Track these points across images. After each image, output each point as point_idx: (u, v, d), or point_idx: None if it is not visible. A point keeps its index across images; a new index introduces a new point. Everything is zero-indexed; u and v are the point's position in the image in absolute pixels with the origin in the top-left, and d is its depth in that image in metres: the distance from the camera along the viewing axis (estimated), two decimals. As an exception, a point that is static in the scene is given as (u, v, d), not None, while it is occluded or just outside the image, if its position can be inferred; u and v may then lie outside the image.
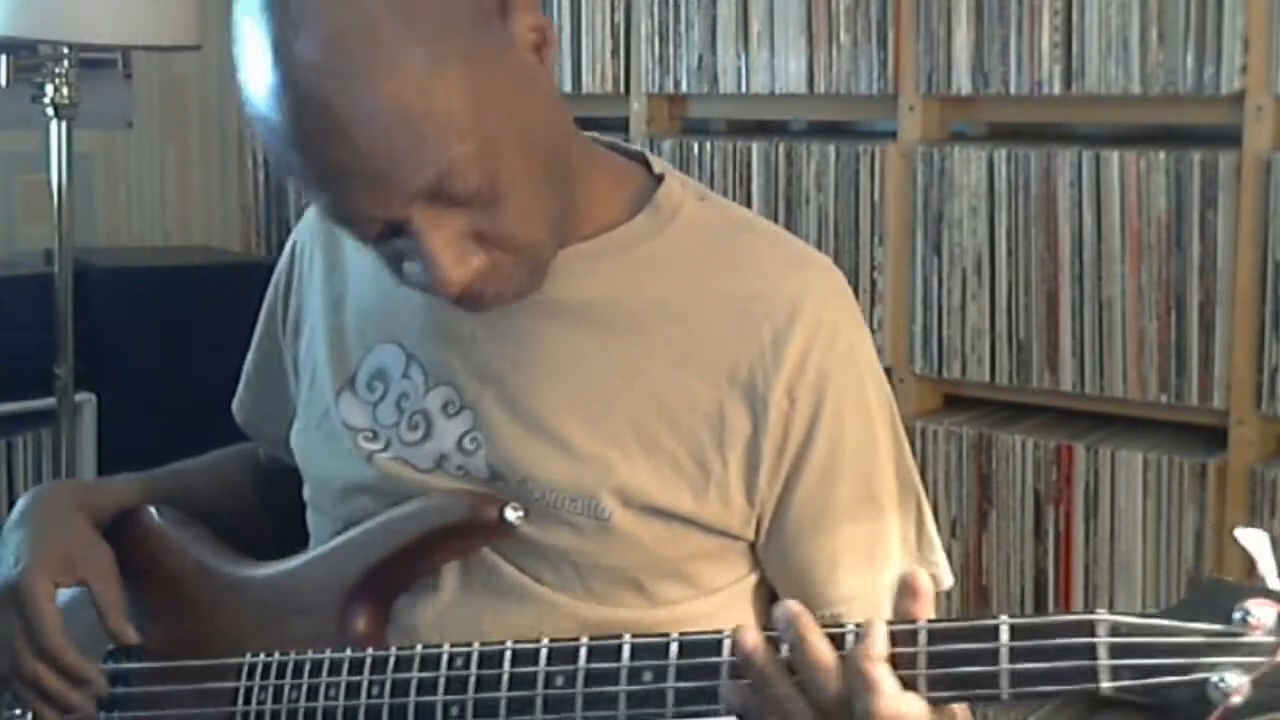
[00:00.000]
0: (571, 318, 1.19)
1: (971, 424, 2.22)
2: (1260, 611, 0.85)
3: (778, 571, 1.23)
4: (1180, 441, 2.09)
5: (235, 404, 1.49)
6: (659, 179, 1.23)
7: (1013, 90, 2.16)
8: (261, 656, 1.22)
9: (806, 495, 1.19)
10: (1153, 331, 2.05)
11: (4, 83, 2.55)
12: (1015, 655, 0.91)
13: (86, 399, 2.63)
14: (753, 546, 1.23)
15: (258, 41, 1.06)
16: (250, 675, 1.21)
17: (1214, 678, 0.85)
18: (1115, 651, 0.88)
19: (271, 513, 1.48)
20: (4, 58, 2.53)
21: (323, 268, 1.32)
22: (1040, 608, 2.14)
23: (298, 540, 1.49)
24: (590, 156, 1.22)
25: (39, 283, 2.58)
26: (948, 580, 1.26)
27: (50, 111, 2.49)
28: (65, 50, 2.46)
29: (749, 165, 2.38)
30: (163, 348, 2.74)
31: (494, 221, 1.08)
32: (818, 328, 1.18)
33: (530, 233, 1.11)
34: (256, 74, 1.06)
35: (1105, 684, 0.88)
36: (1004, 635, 0.91)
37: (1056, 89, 2.12)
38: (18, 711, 1.33)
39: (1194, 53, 2.01)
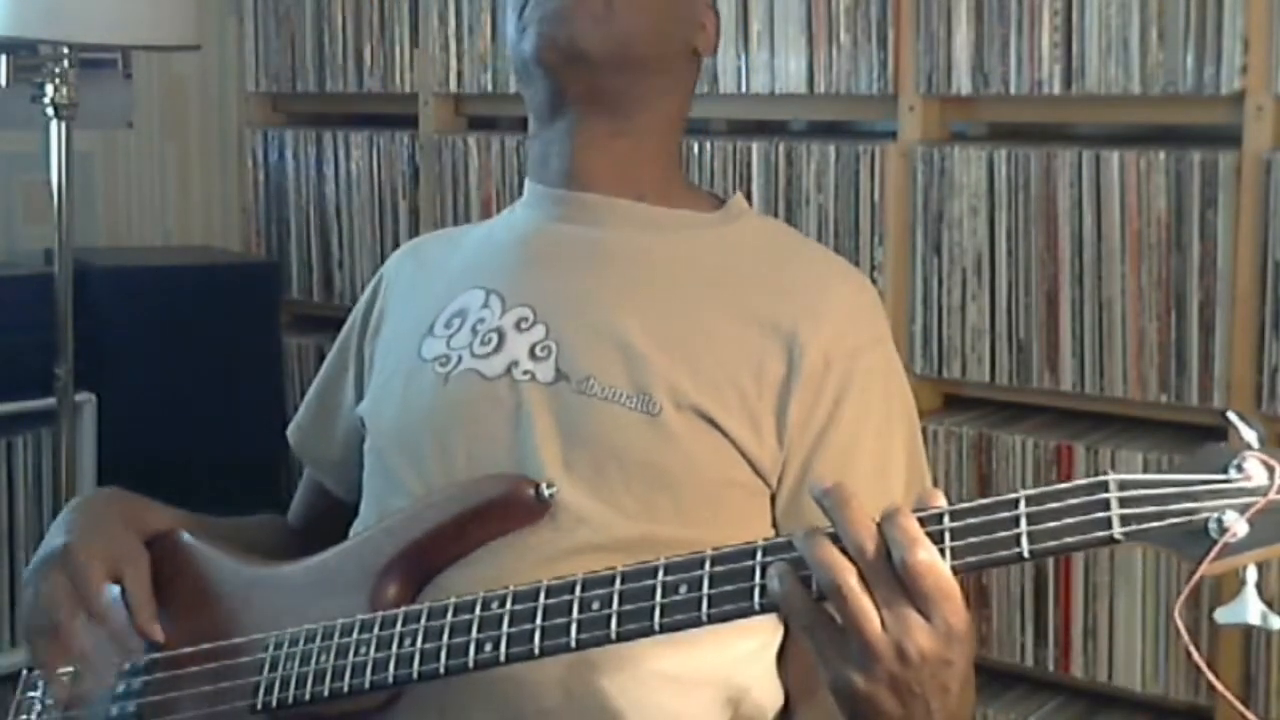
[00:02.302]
0: (647, 263, 1.36)
1: (971, 424, 2.22)
2: (1251, 465, 0.96)
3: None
4: (1180, 441, 2.09)
5: (292, 428, 1.57)
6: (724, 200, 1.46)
7: (1013, 90, 2.16)
8: (289, 630, 1.24)
9: (828, 467, 1.28)
10: (1153, 331, 2.05)
11: (4, 83, 2.55)
12: (1033, 519, 0.99)
13: (86, 399, 2.62)
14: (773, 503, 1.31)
15: None
16: (277, 647, 1.24)
17: (1213, 517, 0.96)
18: (1125, 503, 0.97)
19: None
20: (4, 58, 2.53)
21: (410, 271, 1.49)
22: (1040, 607, 2.15)
23: None
24: (681, 176, 1.48)
25: (39, 283, 2.58)
26: None
27: (50, 111, 2.48)
28: (65, 50, 2.46)
29: (749, 165, 2.38)
30: (163, 348, 2.74)
31: None
32: (855, 315, 1.35)
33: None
34: None
35: (1118, 530, 0.97)
36: (1022, 505, 0.99)
37: (1056, 89, 2.12)
38: (34, 694, 1.34)
39: (1194, 53, 2.01)
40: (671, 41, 1.40)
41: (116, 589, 1.33)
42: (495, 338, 1.34)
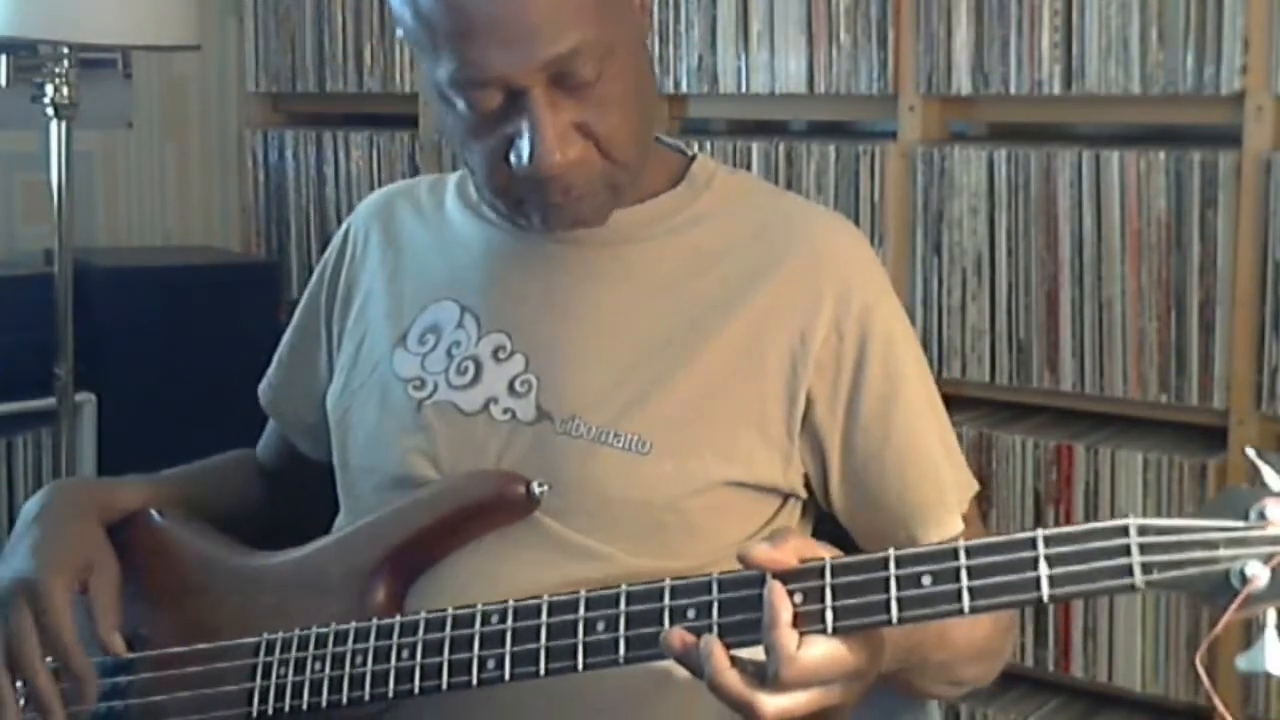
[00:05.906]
0: (621, 277, 1.29)
1: (971, 424, 2.22)
2: (1274, 511, 0.93)
3: (864, 506, 1.28)
4: (1180, 441, 2.09)
5: (263, 386, 1.53)
6: (691, 159, 1.37)
7: (1013, 90, 2.16)
8: (280, 634, 1.22)
9: (867, 437, 1.26)
10: (1153, 331, 2.05)
11: (4, 83, 2.55)
12: (1053, 561, 0.97)
13: (86, 399, 2.62)
14: (781, 505, 1.28)
15: None
16: (269, 651, 1.21)
17: (1235, 567, 0.93)
18: (1146, 549, 0.95)
19: (275, 516, 1.50)
20: (4, 58, 2.53)
21: (380, 245, 1.42)
22: (1040, 608, 2.14)
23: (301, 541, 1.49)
24: (649, 151, 1.32)
25: (39, 283, 2.58)
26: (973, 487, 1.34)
27: (50, 111, 2.49)
28: (65, 50, 2.46)
29: (749, 165, 2.37)
30: (163, 348, 2.74)
31: (599, 118, 1.20)
32: (853, 268, 1.30)
33: (624, 141, 1.22)
34: None
35: (1139, 579, 0.95)
36: (1040, 545, 0.98)
37: (1056, 89, 2.12)
38: None
39: (1194, 53, 2.01)
40: (645, 76, 1.27)
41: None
42: (472, 367, 1.29)
